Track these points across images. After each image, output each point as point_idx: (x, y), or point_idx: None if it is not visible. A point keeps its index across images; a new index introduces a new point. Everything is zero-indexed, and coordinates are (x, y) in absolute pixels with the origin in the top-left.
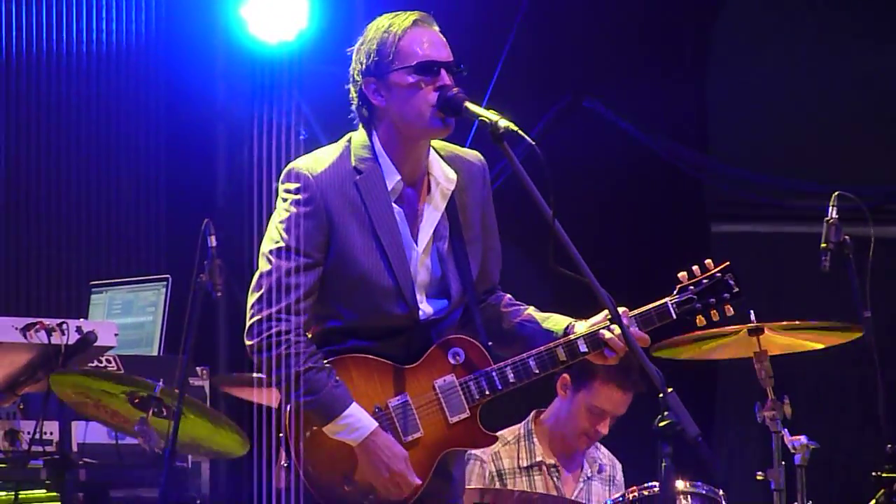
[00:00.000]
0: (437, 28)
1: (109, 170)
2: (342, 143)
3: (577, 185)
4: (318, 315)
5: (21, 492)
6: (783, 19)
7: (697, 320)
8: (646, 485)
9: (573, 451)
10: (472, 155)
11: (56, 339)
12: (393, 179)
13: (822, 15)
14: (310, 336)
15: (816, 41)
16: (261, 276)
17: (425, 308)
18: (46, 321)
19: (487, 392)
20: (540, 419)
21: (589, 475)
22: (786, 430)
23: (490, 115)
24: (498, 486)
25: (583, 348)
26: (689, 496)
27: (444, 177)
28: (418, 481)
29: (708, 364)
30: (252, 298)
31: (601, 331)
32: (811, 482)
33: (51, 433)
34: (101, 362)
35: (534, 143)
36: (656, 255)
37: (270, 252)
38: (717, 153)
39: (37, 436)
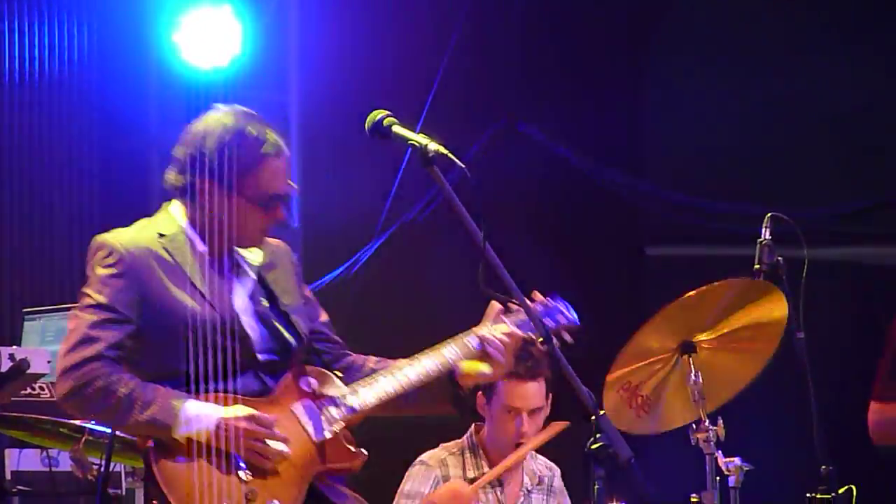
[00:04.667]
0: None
1: (42, 197)
2: (142, 221)
3: (511, 209)
4: (159, 376)
5: None
6: (715, 43)
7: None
8: None
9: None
10: (273, 241)
11: None
12: (200, 247)
13: (753, 37)
14: None
15: (748, 63)
16: (70, 332)
17: (262, 357)
18: None
19: (345, 410)
20: (481, 434)
21: (529, 488)
22: (720, 451)
23: (420, 139)
24: None
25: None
26: None
27: (248, 254)
28: (282, 435)
29: None
30: (61, 351)
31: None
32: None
33: None
34: (34, 389)
35: (464, 167)
36: (591, 279)
37: (80, 309)
38: (650, 177)
39: None
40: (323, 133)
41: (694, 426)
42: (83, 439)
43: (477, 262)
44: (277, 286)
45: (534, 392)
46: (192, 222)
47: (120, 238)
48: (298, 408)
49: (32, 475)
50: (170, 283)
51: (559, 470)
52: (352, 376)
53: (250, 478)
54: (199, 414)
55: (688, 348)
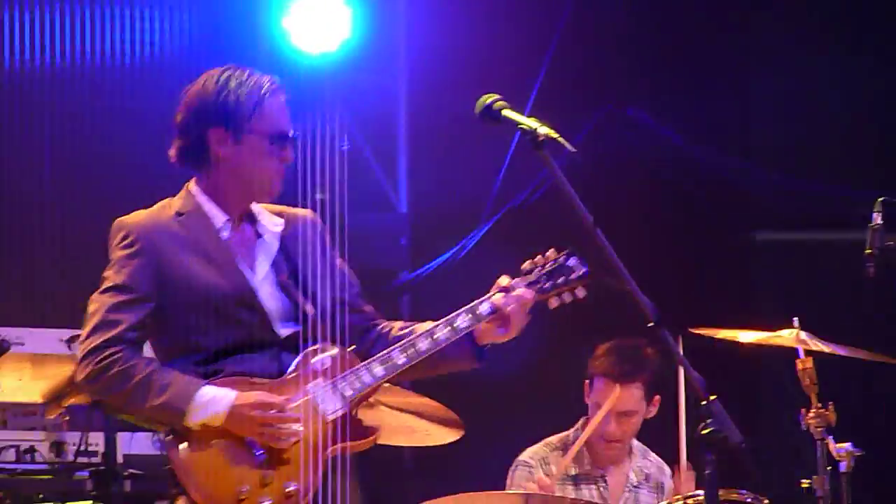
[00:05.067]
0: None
1: (151, 181)
2: (163, 202)
3: (619, 194)
4: (179, 354)
5: (67, 503)
6: (825, 24)
7: (550, 302)
8: (690, 493)
9: (616, 458)
10: (300, 210)
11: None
12: (220, 219)
13: (863, 17)
14: None
15: (859, 44)
16: (89, 315)
17: (283, 331)
18: None
19: (358, 386)
20: (585, 428)
21: (635, 484)
22: (831, 436)
23: (530, 123)
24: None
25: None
26: None
27: (270, 223)
28: (294, 416)
29: (751, 370)
30: (82, 336)
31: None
32: (856, 490)
33: (96, 444)
34: None
35: (574, 150)
36: (699, 265)
37: (99, 293)
38: (759, 161)
39: (82, 447)
40: (431, 117)
41: (804, 411)
42: None
43: (585, 246)
44: (299, 256)
45: (624, 396)
46: (208, 191)
47: (137, 219)
48: (312, 387)
49: (144, 458)
50: (188, 258)
51: (669, 470)
52: (380, 348)
53: (266, 462)
54: (214, 398)
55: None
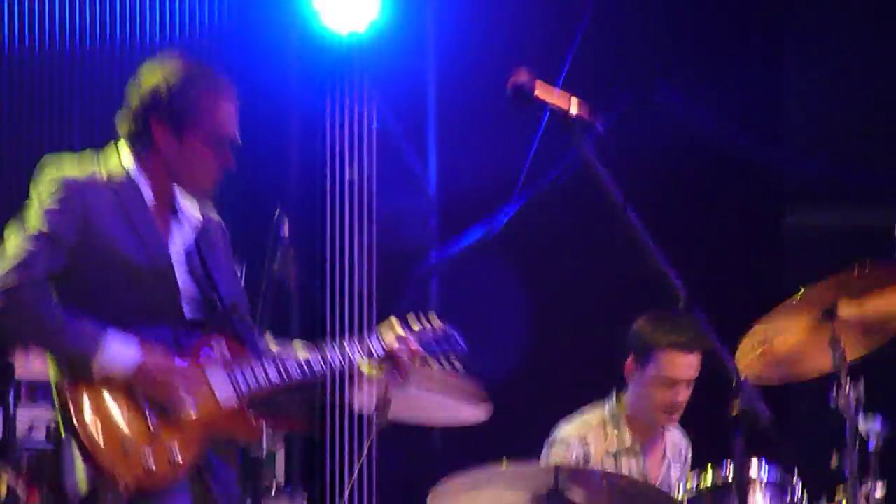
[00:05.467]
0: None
1: None
2: (93, 153)
3: (648, 175)
4: (83, 308)
5: None
6: (862, 7)
7: (430, 363)
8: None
9: (655, 431)
10: (214, 215)
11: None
12: (148, 195)
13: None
14: None
15: (890, 27)
16: (5, 257)
17: (189, 312)
18: None
19: (253, 383)
20: (622, 402)
21: (670, 457)
22: (861, 414)
23: (561, 102)
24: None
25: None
26: (762, 483)
27: (191, 215)
28: (194, 390)
29: None
30: None
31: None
32: (885, 467)
33: None
34: None
35: (604, 131)
36: (729, 246)
37: (19, 237)
38: (789, 143)
39: None
40: (460, 97)
41: (834, 389)
42: None
43: (615, 227)
44: (210, 251)
45: (693, 365)
46: (141, 167)
47: (71, 174)
48: (211, 370)
49: None
50: (112, 221)
51: (689, 442)
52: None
53: (156, 425)
54: (122, 352)
55: (830, 315)
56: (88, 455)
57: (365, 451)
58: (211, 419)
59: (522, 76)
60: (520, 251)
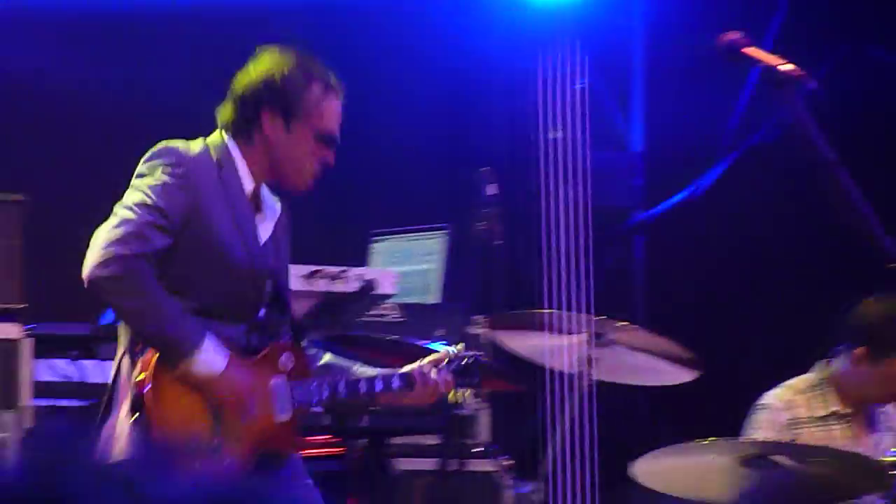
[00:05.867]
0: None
1: (390, 120)
2: (199, 140)
3: (859, 134)
4: (170, 290)
5: (305, 436)
6: None
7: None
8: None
9: (872, 407)
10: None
11: (338, 286)
12: (248, 186)
13: None
14: None
15: None
16: (122, 221)
17: (263, 312)
18: (328, 269)
19: (307, 400)
20: (831, 371)
21: (881, 426)
22: None
23: (771, 60)
24: (792, 434)
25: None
26: None
27: (272, 204)
28: (260, 405)
29: None
30: (109, 235)
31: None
32: None
33: None
34: (381, 310)
35: (815, 88)
36: None
37: (136, 204)
38: None
39: None
40: (668, 54)
41: None
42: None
43: (825, 188)
44: (281, 247)
45: None
46: (244, 155)
47: (190, 153)
48: (273, 382)
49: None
50: (217, 208)
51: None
52: None
53: (219, 426)
54: (213, 359)
55: None
56: (149, 429)
57: (570, 412)
58: (267, 433)
59: (733, 33)
60: (726, 212)
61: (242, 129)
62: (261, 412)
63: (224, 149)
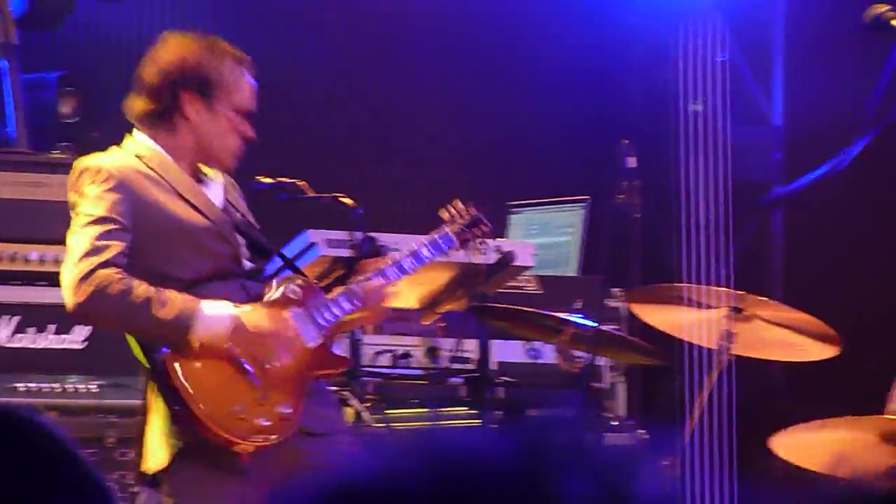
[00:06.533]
0: None
1: (530, 92)
2: (112, 149)
3: None
4: (152, 283)
5: (440, 408)
6: None
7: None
8: None
9: None
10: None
11: (476, 258)
12: (175, 168)
13: None
14: None
15: None
16: (74, 246)
17: (246, 263)
18: None
19: (330, 318)
20: None
21: None
22: None
23: None
24: None
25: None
26: None
27: (212, 179)
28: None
29: None
30: (70, 263)
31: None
32: None
33: (470, 351)
34: (518, 282)
35: None
36: None
37: (81, 226)
38: None
39: (457, 353)
40: (809, 27)
41: None
42: (569, 332)
43: None
44: (239, 206)
45: None
46: (165, 147)
47: (104, 160)
48: (290, 314)
49: (517, 366)
50: (160, 195)
51: None
52: None
53: (259, 384)
54: (216, 314)
55: None
56: (198, 425)
57: (708, 386)
58: (304, 363)
59: (881, 6)
60: (867, 187)
61: (162, 117)
62: (290, 347)
63: (142, 144)
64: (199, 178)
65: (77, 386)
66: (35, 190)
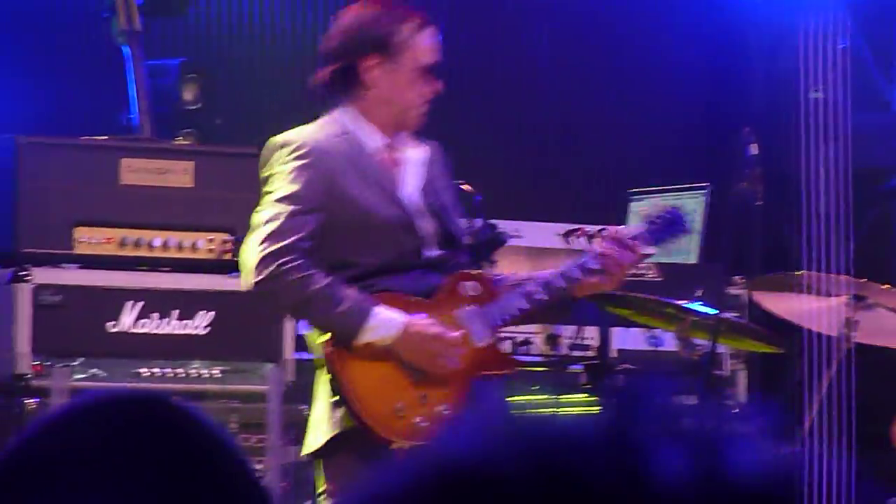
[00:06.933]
0: None
1: (651, 78)
2: (316, 123)
3: None
4: (333, 266)
5: (561, 395)
6: None
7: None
8: None
9: None
10: (430, 142)
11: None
12: (372, 144)
13: None
14: None
15: None
16: (265, 221)
17: (429, 252)
18: (587, 227)
19: (504, 317)
20: None
21: None
22: None
23: None
24: None
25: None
26: None
27: (415, 150)
28: (456, 340)
29: None
30: (256, 239)
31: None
32: None
33: (590, 338)
34: (639, 269)
35: None
36: None
37: (273, 201)
38: None
39: (577, 340)
40: None
41: None
42: (689, 320)
43: None
44: (439, 183)
45: None
46: (357, 117)
47: (306, 133)
48: (461, 313)
49: (637, 353)
50: (353, 178)
51: None
52: None
53: (422, 383)
54: (387, 319)
55: None
56: (357, 420)
57: (828, 375)
58: (471, 362)
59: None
60: None
61: (347, 87)
62: (457, 348)
63: (339, 117)
64: (395, 156)
65: (200, 371)
66: (157, 177)
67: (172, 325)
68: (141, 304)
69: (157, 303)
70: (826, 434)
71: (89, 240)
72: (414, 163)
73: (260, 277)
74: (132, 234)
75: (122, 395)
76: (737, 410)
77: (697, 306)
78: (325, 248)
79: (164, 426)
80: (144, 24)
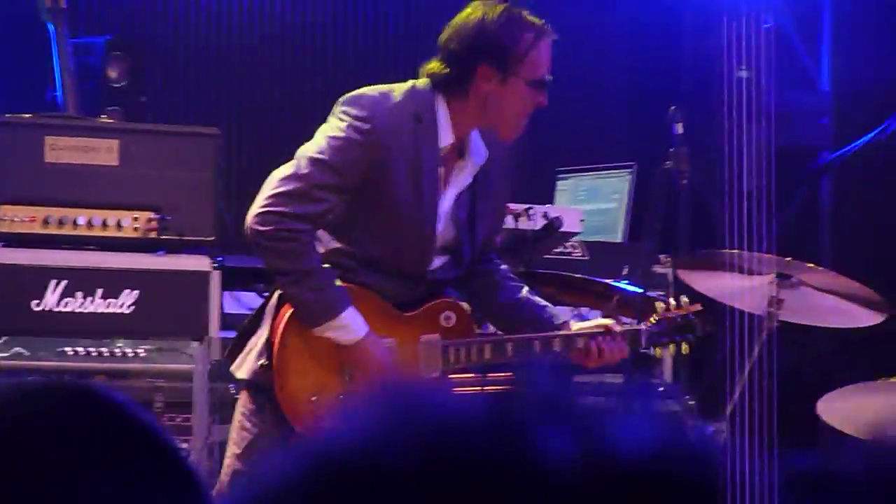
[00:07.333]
0: None
1: (577, 58)
2: (406, 86)
3: None
4: (337, 234)
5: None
6: None
7: (657, 351)
8: None
9: None
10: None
11: (523, 224)
12: (446, 141)
13: None
14: (322, 252)
15: None
16: (293, 174)
17: (437, 260)
18: (513, 206)
19: (462, 361)
20: None
21: None
22: None
23: None
24: None
25: (578, 344)
26: None
27: (479, 152)
28: (397, 372)
29: None
30: (275, 188)
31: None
32: None
33: None
34: (565, 248)
35: None
36: None
37: (310, 159)
38: None
39: None
40: None
41: None
42: (615, 298)
43: None
44: (485, 186)
45: None
46: (451, 110)
47: (377, 109)
48: (425, 339)
49: None
50: (402, 170)
51: None
52: (481, 298)
53: (349, 385)
54: (350, 326)
55: None
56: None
57: (754, 353)
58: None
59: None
60: None
61: (456, 84)
62: (401, 373)
63: (429, 102)
64: (460, 151)
65: (125, 350)
66: (82, 155)
67: (97, 304)
68: (65, 282)
69: (82, 281)
70: (750, 411)
71: (13, 218)
72: (470, 163)
73: (257, 227)
74: (56, 213)
75: (39, 386)
76: (662, 389)
77: (623, 285)
78: (344, 215)
79: (87, 414)
80: (69, 1)
